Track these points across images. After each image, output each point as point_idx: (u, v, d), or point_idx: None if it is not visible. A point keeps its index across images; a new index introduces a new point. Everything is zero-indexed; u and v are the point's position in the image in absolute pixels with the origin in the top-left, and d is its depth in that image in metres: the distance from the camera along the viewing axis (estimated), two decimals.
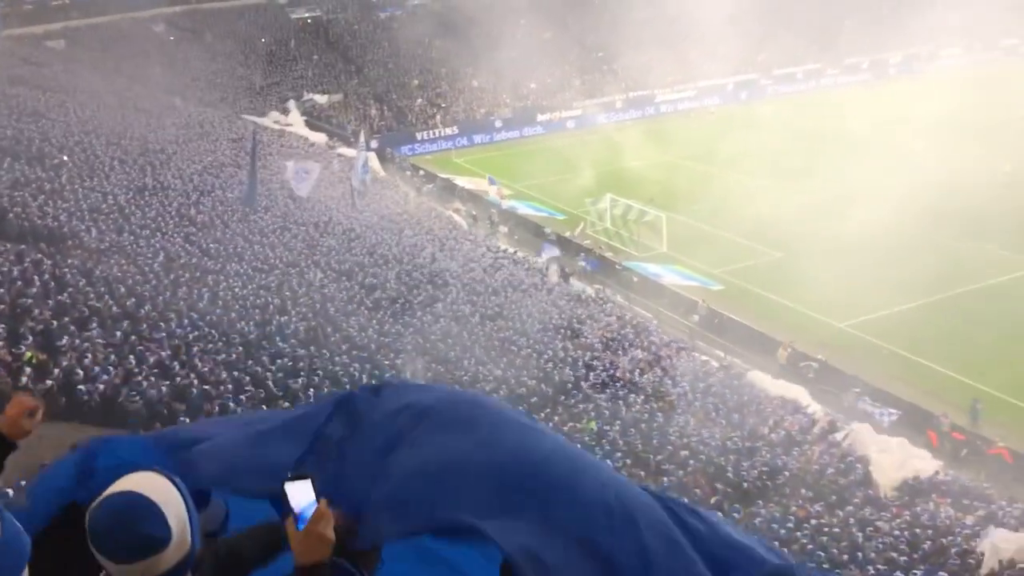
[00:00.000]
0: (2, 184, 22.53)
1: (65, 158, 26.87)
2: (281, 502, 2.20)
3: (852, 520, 15.52)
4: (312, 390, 16.22)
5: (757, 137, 46.05)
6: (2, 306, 15.39)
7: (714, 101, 60.03)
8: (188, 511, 2.05)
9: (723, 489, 15.98)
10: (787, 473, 17.30)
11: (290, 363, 17.35)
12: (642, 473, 16.15)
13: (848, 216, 31.62)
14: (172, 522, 1.97)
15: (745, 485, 16.39)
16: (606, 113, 57.17)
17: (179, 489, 2.05)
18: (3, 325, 14.64)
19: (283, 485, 2.26)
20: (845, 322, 27.29)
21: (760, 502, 15.69)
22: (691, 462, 17.12)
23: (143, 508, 1.93)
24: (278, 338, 18.49)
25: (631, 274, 31.97)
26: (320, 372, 17.19)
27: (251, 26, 61.47)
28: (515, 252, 32.94)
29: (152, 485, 1.99)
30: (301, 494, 2.25)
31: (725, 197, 37.34)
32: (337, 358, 18.26)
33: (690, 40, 58.32)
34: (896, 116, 48.97)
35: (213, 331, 17.72)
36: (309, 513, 2.21)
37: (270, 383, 16.08)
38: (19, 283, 16.77)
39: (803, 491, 16.55)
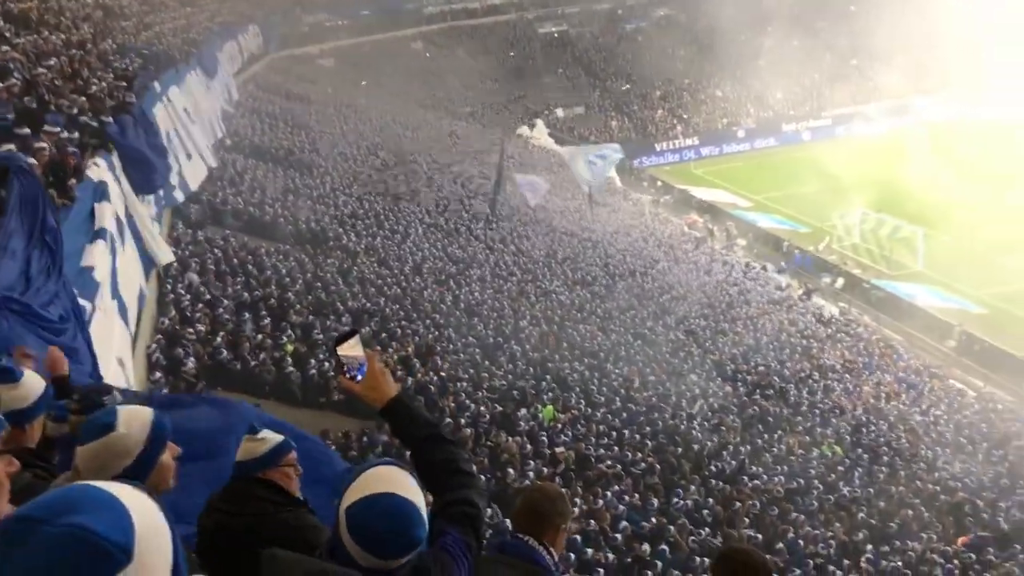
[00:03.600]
0: (276, 190, 24.90)
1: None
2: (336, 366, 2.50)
3: None
4: (549, 393, 16.73)
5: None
6: (272, 301, 17.02)
7: (970, 111, 54.76)
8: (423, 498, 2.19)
9: (976, 530, 14.62)
10: None
11: (523, 365, 17.91)
12: (882, 504, 15.14)
13: None
14: (425, 518, 2.10)
15: (1005, 527, 14.91)
16: (857, 123, 54.05)
17: (418, 483, 2.17)
18: (269, 318, 16.17)
19: (334, 349, 2.58)
20: None
21: (1018, 546, 14.20)
22: (942, 496, 15.85)
23: (410, 514, 2.04)
24: (513, 341, 19.11)
25: (880, 293, 30.00)
26: (549, 376, 17.59)
27: (501, 42, 63.99)
28: (753, 266, 31.99)
29: (406, 483, 2.09)
30: (352, 351, 2.55)
31: (993, 216, 34.03)
32: (566, 364, 18.61)
33: (952, 46, 53.82)
34: None
35: (453, 332, 18.64)
36: (362, 366, 2.54)
37: (502, 383, 16.67)
38: (286, 280, 18.49)
39: None
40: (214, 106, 28.80)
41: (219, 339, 14.44)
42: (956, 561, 13.30)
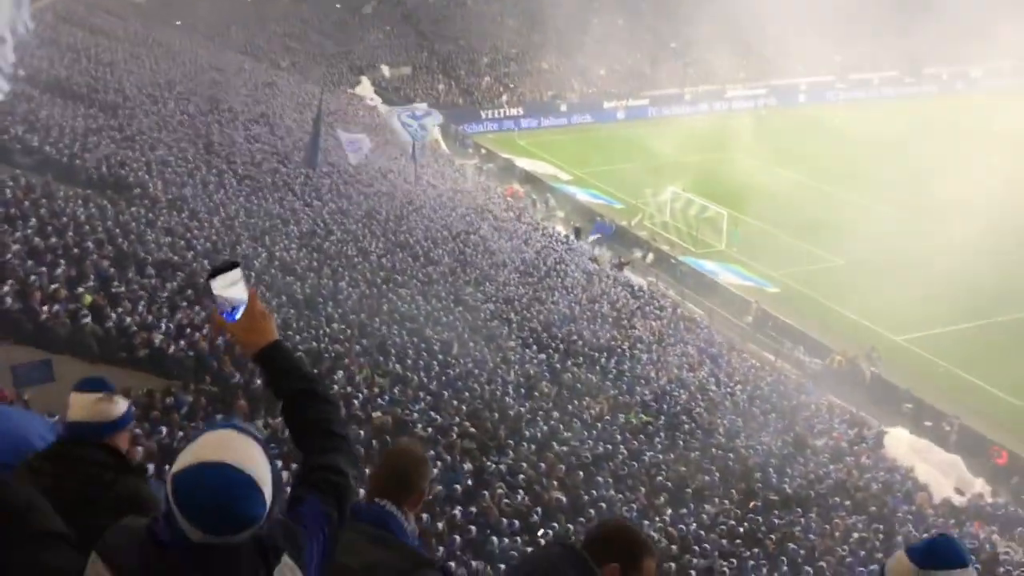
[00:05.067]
0: (76, 130, 22.98)
1: None
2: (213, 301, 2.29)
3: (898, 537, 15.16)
4: (361, 357, 16.41)
5: (828, 141, 45.12)
6: (73, 250, 15.71)
7: (786, 100, 58.80)
8: (272, 471, 1.91)
9: (764, 495, 15.73)
10: (830, 482, 17.01)
11: (343, 327, 17.52)
12: (683, 469, 15.97)
13: (914, 229, 30.83)
14: (267, 496, 1.85)
15: (788, 492, 16.14)
16: (674, 105, 56.52)
17: (265, 452, 1.91)
18: (66, 267, 14.93)
19: (208, 282, 2.29)
20: (902, 336, 26.65)
21: (799, 510, 15.42)
22: (735, 463, 16.91)
23: (244, 488, 1.81)
24: (331, 303, 18.64)
25: (685, 268, 31.62)
26: (366, 340, 17.32)
27: None
28: (569, 237, 32.86)
29: (247, 455, 1.85)
30: (228, 287, 2.29)
31: (789, 200, 36.62)
32: (385, 328, 18.37)
33: (766, 37, 57.27)
34: (973, 130, 47.63)
35: (267, 292, 17.93)
36: (239, 306, 2.30)
37: (320, 345, 16.24)
38: (85, 228, 17.12)
39: (845, 502, 16.24)
40: (3, 31, 26.09)
41: (6, 287, 13.17)
42: (745, 524, 14.25)
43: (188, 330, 14.72)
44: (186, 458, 1.83)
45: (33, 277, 13.79)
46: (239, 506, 1.81)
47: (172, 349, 13.96)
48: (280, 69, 49.60)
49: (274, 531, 1.96)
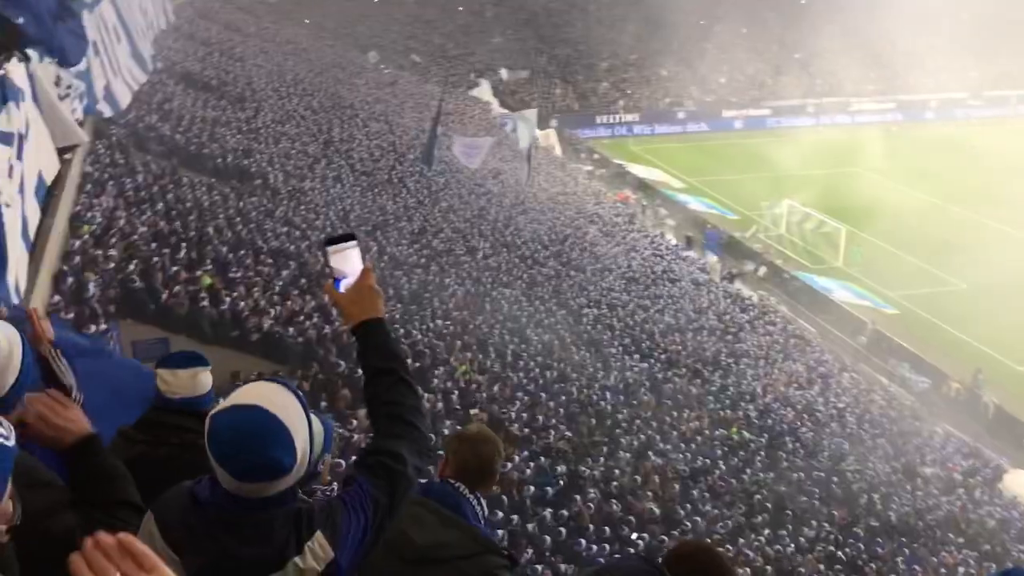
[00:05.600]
0: (206, 120, 24.02)
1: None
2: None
3: None
4: (466, 353, 16.57)
5: (960, 160, 43.00)
6: (192, 233, 16.43)
7: (913, 115, 56.32)
8: (310, 431, 1.96)
9: (867, 521, 15.11)
10: (940, 514, 16.20)
11: (446, 323, 17.72)
12: (783, 490, 15.50)
13: None
14: (298, 445, 1.89)
15: (893, 520, 15.46)
16: (796, 117, 54.89)
17: (304, 407, 1.96)
18: (187, 251, 15.60)
19: (325, 247, 2.34)
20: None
21: (904, 539, 14.75)
22: (836, 489, 16.31)
23: (273, 432, 1.85)
24: (436, 299, 18.89)
25: (798, 284, 30.68)
26: (468, 337, 17.46)
27: None
28: (678, 245, 32.41)
29: (282, 402, 1.90)
30: (343, 257, 2.34)
31: (913, 220, 34.99)
32: (487, 327, 18.50)
33: (897, 51, 55.09)
34: None
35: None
36: (349, 276, 2.33)
37: (424, 340, 16.47)
38: (207, 214, 17.87)
39: (956, 537, 15.45)
40: (146, 26, 27.56)
41: (132, 266, 13.86)
42: (846, 550, 13.72)
43: (299, 318, 15.17)
44: (225, 402, 1.89)
45: (156, 259, 14.44)
46: (265, 447, 1.84)
47: (281, 335, 14.41)
48: (402, 69, 50.68)
49: (312, 507, 2.00)
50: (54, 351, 2.78)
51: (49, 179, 11.75)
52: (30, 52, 10.87)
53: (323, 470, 3.11)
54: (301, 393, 2.00)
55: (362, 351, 2.38)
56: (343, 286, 2.37)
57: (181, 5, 38.66)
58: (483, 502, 2.68)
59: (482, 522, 2.65)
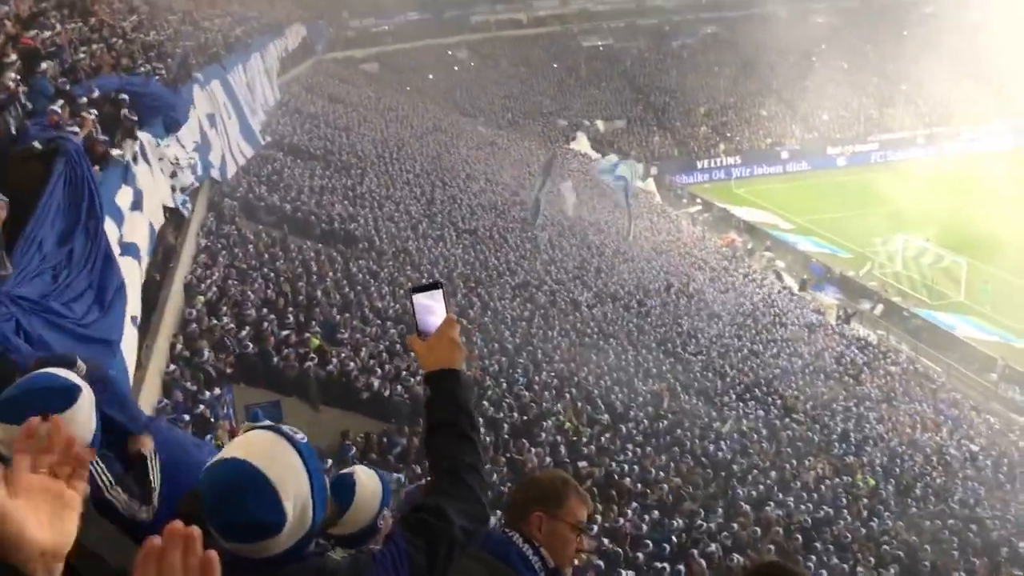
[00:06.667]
0: (313, 189, 24.86)
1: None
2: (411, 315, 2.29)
3: None
4: (573, 405, 16.37)
5: None
6: (300, 297, 16.89)
7: None
8: (312, 482, 1.81)
9: (1009, 571, 14.03)
10: None
11: (551, 376, 17.59)
12: (914, 539, 14.58)
13: None
14: (288, 503, 1.74)
15: None
16: (903, 149, 53.02)
17: (302, 455, 1.81)
18: (295, 314, 16.01)
19: (411, 293, 2.28)
20: None
21: None
22: (976, 535, 15.24)
23: (255, 488, 1.71)
24: (540, 352, 18.79)
25: (919, 322, 29.25)
26: (574, 390, 17.25)
27: (545, 54, 63.83)
28: (790, 287, 31.48)
29: (269, 452, 1.76)
30: (428, 305, 2.28)
31: None
32: (592, 378, 18.26)
33: (1005, 72, 52.71)
34: None
35: (480, 339, 18.37)
36: (432, 325, 2.25)
37: (529, 393, 16.36)
38: (315, 277, 18.37)
39: None
40: (255, 103, 28.92)
41: (244, 332, 14.29)
42: None
43: (405, 375, 15.31)
44: (218, 454, 1.80)
45: (266, 324, 14.86)
46: (244, 505, 1.72)
47: (389, 393, 14.55)
48: (499, 129, 51.55)
49: (340, 564, 1.88)
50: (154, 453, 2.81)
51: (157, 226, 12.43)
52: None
53: (383, 526, 2.94)
54: (305, 443, 1.85)
55: (430, 401, 2.26)
56: (425, 333, 2.31)
57: (287, 81, 40.46)
58: (541, 550, 2.50)
59: (536, 569, 2.46)
